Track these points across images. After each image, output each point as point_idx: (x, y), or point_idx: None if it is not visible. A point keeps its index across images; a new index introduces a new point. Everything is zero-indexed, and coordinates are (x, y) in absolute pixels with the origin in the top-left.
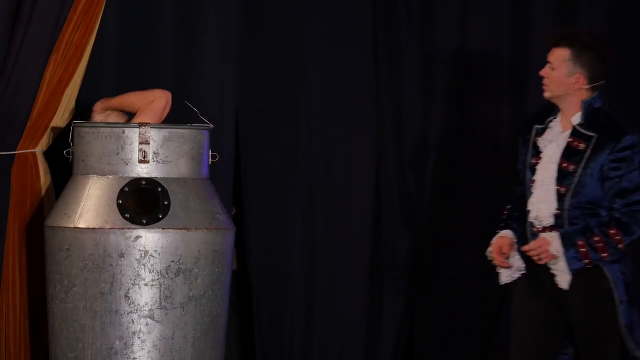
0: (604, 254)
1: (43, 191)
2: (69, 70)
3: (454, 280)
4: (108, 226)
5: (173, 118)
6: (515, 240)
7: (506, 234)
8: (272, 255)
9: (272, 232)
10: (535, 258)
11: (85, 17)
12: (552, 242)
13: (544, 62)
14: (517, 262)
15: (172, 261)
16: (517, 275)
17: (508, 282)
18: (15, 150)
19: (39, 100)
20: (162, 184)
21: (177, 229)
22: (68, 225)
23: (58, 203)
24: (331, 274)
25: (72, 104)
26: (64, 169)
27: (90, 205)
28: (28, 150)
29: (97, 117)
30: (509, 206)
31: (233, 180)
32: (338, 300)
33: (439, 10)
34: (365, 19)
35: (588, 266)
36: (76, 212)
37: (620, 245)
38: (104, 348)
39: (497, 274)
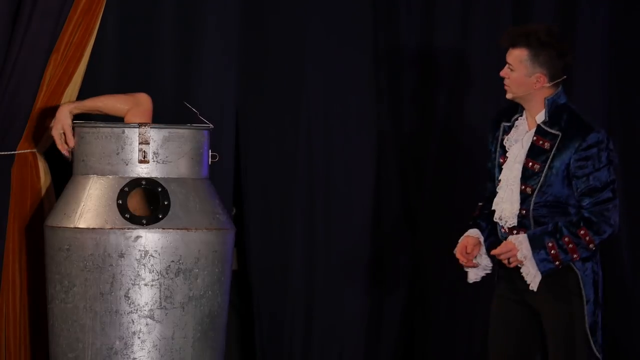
0: (575, 255)
1: (43, 191)
2: (69, 71)
3: (454, 280)
4: (108, 226)
5: (173, 118)
6: (482, 239)
7: (472, 233)
8: (272, 255)
9: (272, 232)
10: (504, 262)
11: (85, 17)
12: (520, 247)
13: None
14: (484, 260)
15: (172, 261)
16: (483, 274)
17: (476, 281)
18: (15, 150)
19: (39, 100)
20: (162, 184)
21: (177, 229)
22: (68, 226)
23: (58, 203)
24: (331, 273)
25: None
26: (64, 169)
27: (90, 205)
28: (28, 150)
29: (65, 121)
30: (480, 204)
31: (233, 180)
32: (338, 300)
33: (439, 9)
34: (365, 18)
35: (559, 267)
36: (76, 212)
37: (591, 246)
38: (104, 348)
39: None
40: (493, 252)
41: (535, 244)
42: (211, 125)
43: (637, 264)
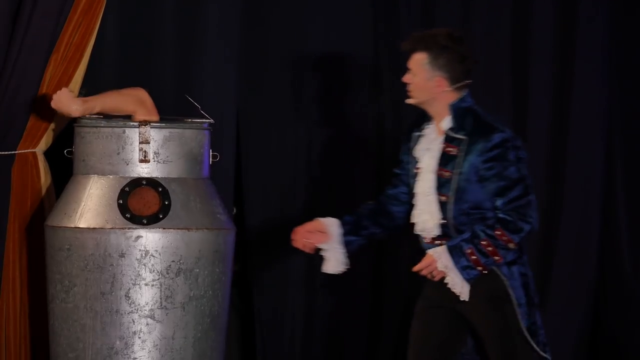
0: (497, 257)
1: (43, 191)
2: (69, 71)
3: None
4: (109, 226)
5: (174, 118)
6: (336, 230)
7: (323, 220)
8: (273, 255)
9: (272, 231)
10: (428, 276)
11: (85, 18)
12: (439, 259)
13: (545, 61)
14: (337, 254)
15: (173, 261)
16: (342, 269)
17: (332, 273)
18: (15, 150)
19: (39, 100)
20: (163, 184)
21: (178, 229)
22: (69, 225)
23: (58, 203)
24: (331, 273)
25: None
26: (64, 169)
27: (90, 205)
28: (28, 150)
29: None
30: (369, 202)
31: (234, 180)
32: (338, 300)
33: (439, 9)
34: (365, 18)
35: (484, 272)
36: (77, 212)
37: (510, 245)
38: (104, 348)
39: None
40: (414, 268)
41: (455, 253)
42: (211, 120)
43: (637, 263)
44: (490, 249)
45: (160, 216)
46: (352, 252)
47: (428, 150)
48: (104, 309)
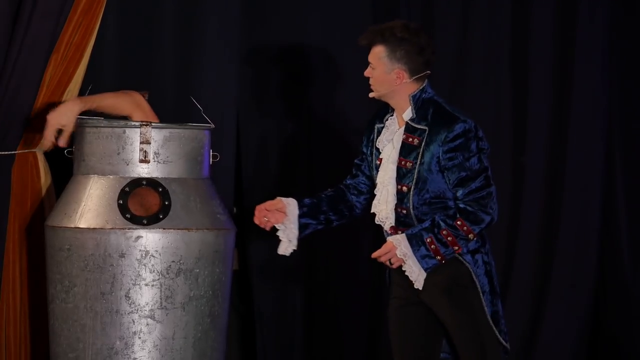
0: (456, 247)
1: (43, 191)
2: (69, 71)
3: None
4: (109, 226)
5: (174, 118)
6: (293, 210)
7: (284, 199)
8: (273, 256)
9: (272, 232)
10: (386, 263)
11: (85, 18)
12: (399, 245)
13: (545, 61)
14: (291, 234)
15: (173, 261)
16: (292, 249)
17: (284, 254)
18: (15, 150)
19: (39, 100)
20: (163, 184)
21: (178, 229)
22: (69, 225)
23: (59, 203)
24: (332, 273)
25: None
26: (64, 169)
27: (91, 205)
28: (28, 150)
29: (70, 120)
30: (329, 189)
31: (234, 180)
32: (339, 300)
33: (439, 9)
34: (365, 18)
35: (442, 262)
36: (77, 212)
37: (470, 236)
38: (104, 348)
39: (498, 272)
40: (373, 254)
41: (414, 242)
42: (212, 125)
43: (637, 264)
44: (450, 238)
45: (161, 216)
46: (306, 236)
47: (389, 142)
48: (104, 309)
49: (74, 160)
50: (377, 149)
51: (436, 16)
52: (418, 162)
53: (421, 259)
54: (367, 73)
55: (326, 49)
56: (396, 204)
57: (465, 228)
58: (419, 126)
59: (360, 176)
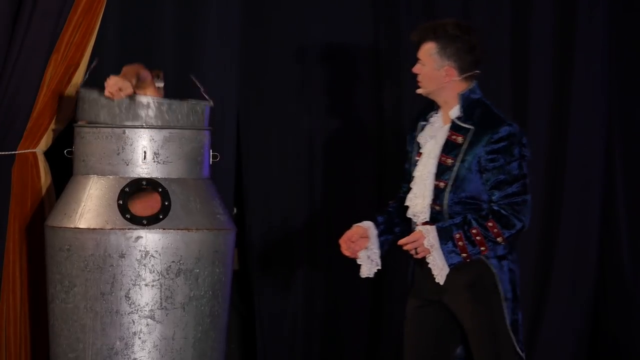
0: (483, 248)
1: (43, 191)
2: (69, 71)
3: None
4: (109, 226)
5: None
6: (373, 232)
7: (362, 224)
8: (273, 256)
9: (273, 232)
10: (411, 252)
11: (85, 18)
12: (427, 236)
13: (544, 60)
14: (373, 256)
15: (173, 261)
16: (375, 269)
17: (369, 276)
18: (15, 150)
19: (39, 100)
20: (163, 185)
21: (178, 229)
22: (69, 226)
23: (58, 203)
24: (332, 273)
25: (73, 104)
26: (64, 169)
27: (90, 205)
28: (28, 150)
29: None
30: (391, 201)
31: (234, 180)
32: (339, 300)
33: (439, 9)
34: (365, 18)
35: (467, 260)
36: (77, 213)
37: (499, 239)
38: (104, 348)
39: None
40: (400, 241)
41: (443, 235)
42: (211, 103)
43: (637, 263)
44: (478, 238)
45: (160, 217)
46: (386, 251)
47: (432, 138)
48: (104, 310)
49: (74, 160)
50: (418, 144)
51: (436, 16)
52: (459, 160)
53: (447, 253)
54: (416, 69)
55: (326, 48)
56: (432, 200)
57: (495, 230)
58: (464, 125)
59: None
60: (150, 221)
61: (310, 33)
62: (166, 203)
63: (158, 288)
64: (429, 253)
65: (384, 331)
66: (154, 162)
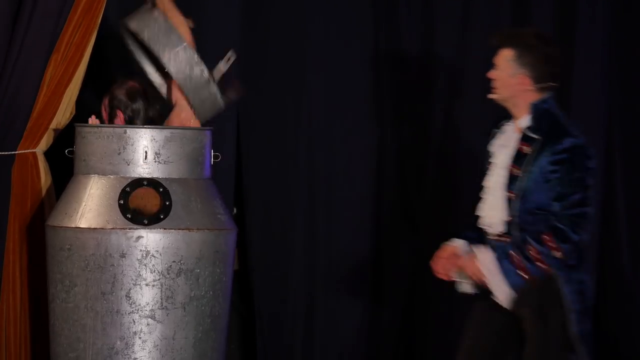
0: (542, 264)
1: (43, 191)
2: (69, 71)
3: (454, 281)
4: (109, 226)
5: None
6: (465, 250)
7: (453, 244)
8: (273, 256)
9: (273, 232)
10: (473, 278)
11: (85, 18)
12: (483, 259)
13: None
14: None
15: (174, 261)
16: (474, 289)
17: (469, 293)
18: (15, 150)
19: (39, 100)
20: (164, 185)
21: (179, 229)
22: (69, 225)
23: (59, 203)
24: (332, 274)
25: (73, 104)
26: (65, 169)
27: (91, 205)
28: (28, 150)
29: None
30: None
31: (234, 180)
32: (339, 301)
33: (439, 9)
34: (365, 19)
35: (528, 278)
36: (77, 212)
37: (557, 254)
38: (105, 348)
39: None
40: (458, 264)
41: (500, 255)
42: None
43: (637, 263)
44: (535, 255)
45: (161, 216)
46: None
47: (504, 147)
48: (105, 309)
49: (75, 160)
50: (490, 154)
51: (436, 16)
52: (526, 171)
53: (506, 274)
54: (491, 74)
55: (326, 48)
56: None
57: (551, 245)
58: (534, 135)
59: None
60: (151, 221)
61: (310, 33)
62: (167, 203)
63: (159, 288)
64: (487, 278)
65: (384, 331)
66: (155, 162)
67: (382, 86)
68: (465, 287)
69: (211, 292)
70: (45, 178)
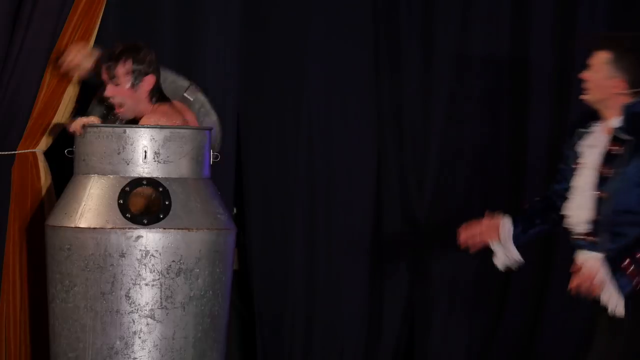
0: None
1: (43, 191)
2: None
3: (454, 280)
4: (109, 226)
5: None
6: (508, 229)
7: (500, 218)
8: (273, 255)
9: (273, 232)
10: (587, 294)
11: (85, 18)
12: (597, 272)
13: (544, 60)
14: (511, 253)
15: (173, 261)
16: (513, 264)
17: (505, 269)
18: (15, 150)
19: (39, 100)
20: (163, 184)
21: (178, 229)
22: (69, 225)
23: (59, 203)
24: (332, 273)
25: (73, 104)
26: (64, 169)
27: (91, 205)
28: (28, 150)
29: None
30: (537, 198)
31: (234, 180)
32: (339, 300)
33: (439, 9)
34: (366, 18)
35: (638, 286)
36: (77, 212)
37: None
38: (104, 348)
39: (498, 274)
40: (571, 285)
41: (612, 265)
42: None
43: None
44: None
45: (161, 216)
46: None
47: (592, 147)
48: (104, 309)
49: (74, 160)
50: (577, 154)
51: (436, 16)
52: (618, 172)
53: (618, 283)
54: (585, 75)
55: (326, 48)
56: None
57: None
58: (625, 137)
59: (563, 182)
60: (150, 221)
61: (310, 33)
62: (167, 202)
63: (158, 287)
64: (602, 290)
65: (384, 331)
66: (155, 161)
67: (382, 86)
68: (499, 261)
69: (211, 292)
70: (45, 178)
